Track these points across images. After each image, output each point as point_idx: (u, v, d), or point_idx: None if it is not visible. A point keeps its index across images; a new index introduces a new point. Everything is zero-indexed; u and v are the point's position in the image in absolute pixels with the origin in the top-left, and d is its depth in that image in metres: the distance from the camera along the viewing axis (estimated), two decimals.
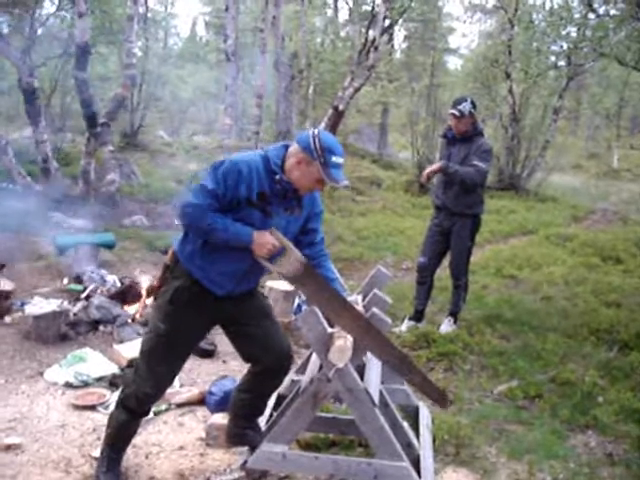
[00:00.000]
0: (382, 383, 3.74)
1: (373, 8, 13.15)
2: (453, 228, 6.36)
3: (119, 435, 3.64)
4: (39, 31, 12.91)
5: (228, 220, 3.14)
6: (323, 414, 3.97)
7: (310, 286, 3.25)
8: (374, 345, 3.34)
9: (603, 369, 5.68)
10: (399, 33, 29.77)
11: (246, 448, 3.69)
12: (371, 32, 12.79)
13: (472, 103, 6.19)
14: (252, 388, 3.65)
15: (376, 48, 12.42)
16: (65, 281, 7.01)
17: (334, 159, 3.13)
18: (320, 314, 3.27)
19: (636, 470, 4.20)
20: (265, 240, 3.13)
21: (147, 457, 3.95)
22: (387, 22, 14.02)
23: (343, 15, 30.44)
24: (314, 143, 3.13)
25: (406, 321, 6.63)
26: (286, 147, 3.28)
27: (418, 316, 6.64)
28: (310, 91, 22.52)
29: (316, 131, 3.22)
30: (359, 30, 20.81)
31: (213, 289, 3.34)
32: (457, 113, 6.12)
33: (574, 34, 12.03)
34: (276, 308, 6.31)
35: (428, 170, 6.36)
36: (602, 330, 6.69)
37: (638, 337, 6.44)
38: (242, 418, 3.70)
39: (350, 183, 12.47)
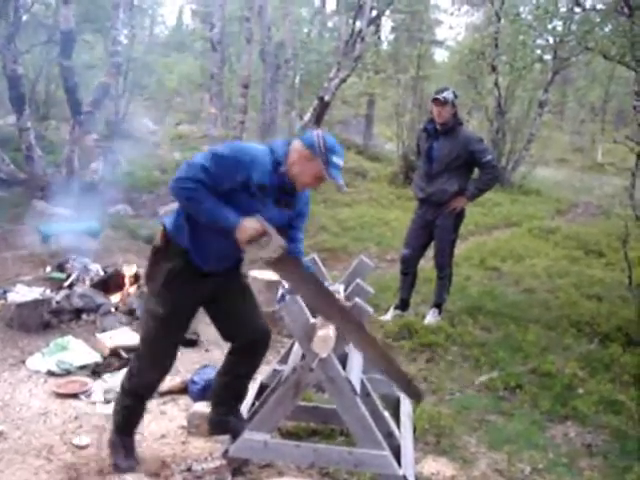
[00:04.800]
0: (364, 373, 3.76)
1: None
2: (437, 220, 6.39)
3: (130, 421, 3.75)
4: (24, 17, 12.81)
5: (218, 201, 3.18)
6: (305, 403, 4.00)
7: (290, 271, 3.28)
8: (354, 337, 3.36)
9: (583, 361, 5.73)
10: (386, 24, 29.74)
11: (227, 436, 3.71)
12: (358, 23, 12.77)
13: (454, 93, 6.24)
14: (232, 369, 3.70)
15: (362, 39, 12.42)
16: (48, 269, 6.98)
17: (335, 159, 3.24)
18: (303, 304, 3.29)
19: (614, 460, 4.26)
20: (248, 225, 3.15)
21: None
22: (374, 13, 14.02)
23: (330, 6, 30.39)
24: (318, 141, 3.24)
25: (392, 310, 6.68)
26: (288, 143, 3.37)
27: (403, 305, 6.70)
28: (296, 81, 22.46)
29: (320, 132, 3.34)
30: (346, 21, 20.78)
31: (199, 264, 3.39)
32: (441, 99, 6.14)
33: (560, 28, 12.08)
34: (259, 298, 6.30)
35: (459, 205, 6.37)
36: (583, 322, 6.75)
37: (618, 330, 6.50)
38: (223, 403, 3.74)
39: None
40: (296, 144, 3.32)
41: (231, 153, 3.19)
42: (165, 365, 3.64)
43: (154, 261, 3.50)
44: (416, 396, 3.69)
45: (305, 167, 3.26)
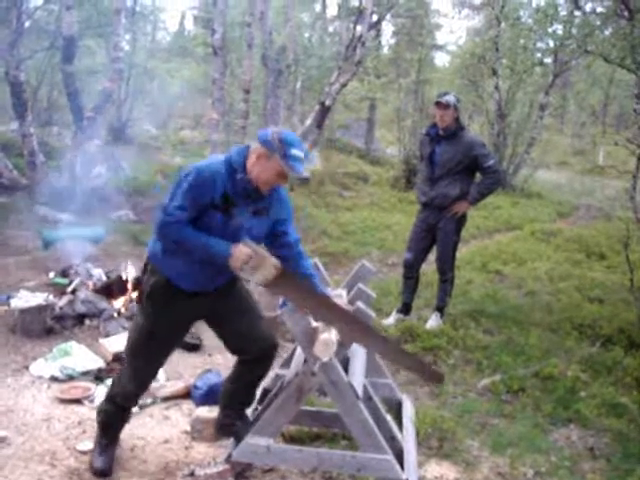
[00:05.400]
0: (366, 377, 3.77)
1: (360, 3, 13.13)
2: (439, 224, 6.40)
3: (109, 425, 3.79)
4: (26, 24, 12.84)
5: (204, 238, 3.20)
6: (308, 407, 4.00)
7: (288, 289, 3.28)
8: (361, 337, 3.36)
9: (585, 364, 5.73)
10: (387, 29, 29.81)
11: (230, 441, 3.73)
12: (358, 28, 12.77)
13: (456, 98, 6.25)
14: (240, 377, 3.73)
15: (363, 44, 12.42)
16: (51, 275, 7.00)
17: (293, 151, 3.21)
18: None
19: (617, 464, 4.26)
20: (239, 252, 3.16)
21: (132, 450, 3.97)
22: (374, 18, 14.03)
23: (331, 11, 30.43)
24: (272, 137, 3.22)
25: (394, 314, 6.68)
26: (248, 147, 3.35)
27: (405, 309, 6.70)
28: (297, 86, 22.50)
29: (276, 128, 3.33)
30: (347, 25, 20.82)
31: (182, 286, 3.40)
32: (444, 102, 6.15)
33: (560, 31, 12.07)
34: (261, 303, 6.33)
35: (461, 209, 6.36)
36: (585, 325, 6.74)
37: (620, 332, 6.50)
38: (231, 408, 3.77)
39: (340, 178, 12.31)
40: (254, 145, 3.31)
41: (193, 180, 3.18)
42: (143, 379, 3.68)
43: (143, 274, 3.56)
44: (438, 378, 3.71)
45: (265, 166, 3.24)
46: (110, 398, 3.73)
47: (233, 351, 3.72)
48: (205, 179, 3.18)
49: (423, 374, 3.69)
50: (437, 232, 6.45)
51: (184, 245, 3.23)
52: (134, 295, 6.35)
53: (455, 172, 6.24)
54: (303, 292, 3.31)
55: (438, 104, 6.21)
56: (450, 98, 6.18)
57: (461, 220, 6.46)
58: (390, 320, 6.60)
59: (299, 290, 3.30)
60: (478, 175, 6.46)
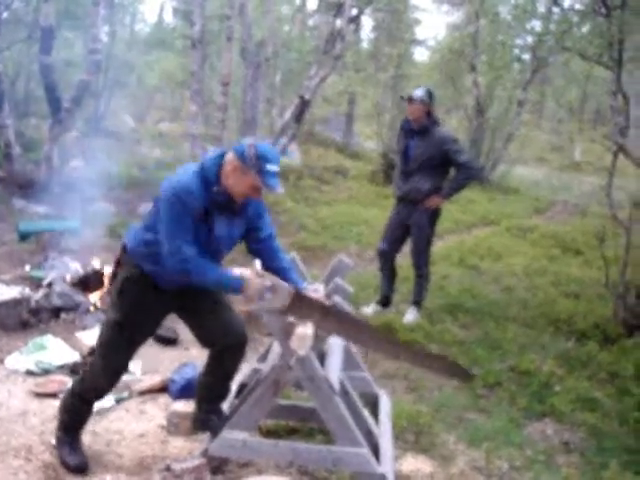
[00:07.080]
0: (342, 370, 3.78)
1: None
2: (412, 218, 6.44)
3: (76, 421, 3.77)
4: (4, 14, 12.73)
5: (216, 270, 3.25)
6: (284, 401, 4.01)
7: (305, 311, 3.28)
8: (386, 348, 3.40)
9: (561, 359, 5.78)
10: (366, 23, 29.79)
11: (207, 436, 3.73)
12: (338, 21, 12.80)
13: (429, 93, 6.30)
14: (213, 370, 3.73)
15: (343, 38, 12.44)
16: (27, 268, 6.94)
17: (269, 167, 3.18)
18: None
19: (591, 457, 4.30)
20: (253, 284, 3.17)
21: (108, 445, 3.96)
22: (354, 12, 14.05)
23: (311, 5, 30.36)
24: (249, 152, 3.18)
25: (373, 304, 6.73)
26: (223, 155, 3.31)
27: (384, 301, 6.76)
28: (277, 79, 22.46)
29: (252, 141, 3.28)
30: (326, 19, 20.76)
31: (160, 283, 3.42)
32: (412, 96, 6.24)
33: (538, 28, 12.14)
34: (239, 297, 6.32)
35: (434, 204, 6.39)
36: (561, 320, 6.80)
37: (595, 327, 6.55)
38: (207, 402, 3.77)
39: (318, 172, 12.28)
40: (229, 156, 3.26)
41: (174, 206, 3.18)
42: (115, 372, 3.65)
43: (115, 272, 3.59)
44: (466, 377, 3.74)
45: (240, 179, 3.22)
46: (77, 394, 3.69)
47: (204, 343, 3.74)
48: (184, 200, 3.16)
49: (454, 375, 3.74)
50: (411, 226, 6.49)
51: (198, 279, 3.26)
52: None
53: (427, 167, 6.29)
54: (324, 312, 3.30)
55: (407, 99, 6.30)
56: (418, 93, 6.26)
57: (434, 214, 6.50)
58: (368, 310, 6.65)
59: (317, 310, 3.29)
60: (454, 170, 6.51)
